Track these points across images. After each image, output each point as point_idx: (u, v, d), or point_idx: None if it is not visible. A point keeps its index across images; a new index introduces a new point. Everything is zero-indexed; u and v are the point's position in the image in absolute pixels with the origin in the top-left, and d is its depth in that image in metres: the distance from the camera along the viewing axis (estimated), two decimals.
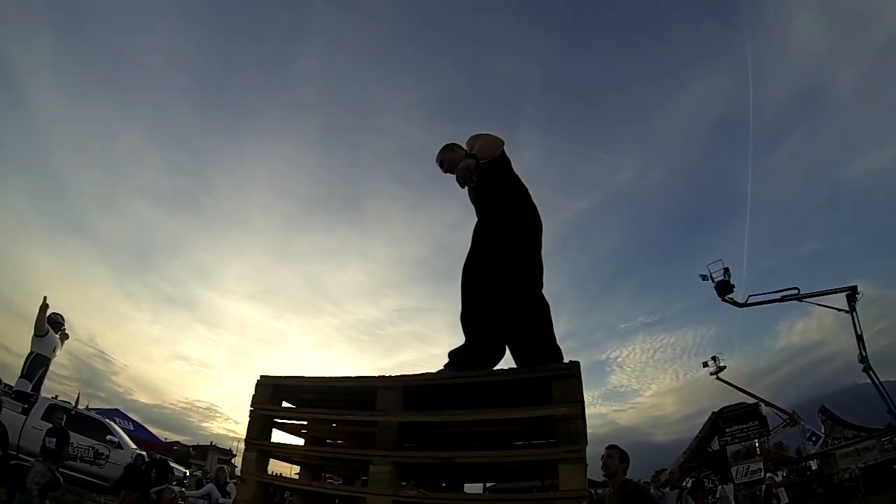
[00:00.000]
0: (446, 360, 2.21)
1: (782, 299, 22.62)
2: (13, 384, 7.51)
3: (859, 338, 20.44)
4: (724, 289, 23.40)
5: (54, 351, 7.32)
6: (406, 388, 1.87)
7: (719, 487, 13.43)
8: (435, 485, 2.56)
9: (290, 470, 3.29)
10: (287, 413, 2.28)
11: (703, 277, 23.69)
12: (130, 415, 19.36)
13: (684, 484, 10.88)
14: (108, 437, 8.34)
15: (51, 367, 7.46)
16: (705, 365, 26.66)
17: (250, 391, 2.14)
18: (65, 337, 7.62)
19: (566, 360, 1.87)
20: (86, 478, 7.81)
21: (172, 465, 9.94)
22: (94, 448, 8.03)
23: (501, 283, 2.21)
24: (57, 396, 8.93)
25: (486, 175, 2.37)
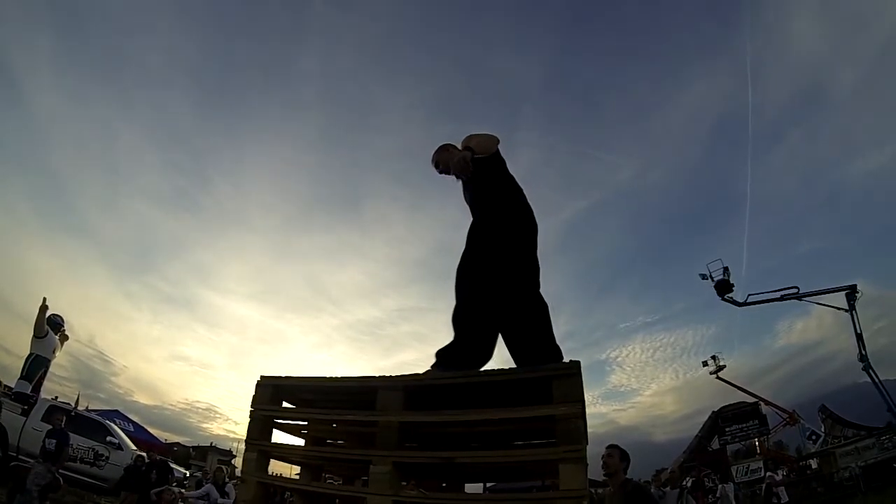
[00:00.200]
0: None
1: (782, 298, 22.65)
2: (13, 385, 7.50)
3: (859, 337, 20.47)
4: (723, 288, 23.43)
5: (54, 352, 7.30)
6: (406, 388, 1.86)
7: (719, 486, 13.44)
8: (435, 485, 2.55)
9: (291, 470, 3.28)
10: (287, 413, 2.28)
11: (703, 277, 23.75)
12: (130, 416, 19.41)
13: (684, 483, 10.91)
14: (108, 439, 8.33)
15: (50, 369, 7.44)
16: (705, 364, 26.66)
17: (250, 391, 2.14)
18: (64, 338, 7.60)
19: (566, 360, 1.86)
20: (86, 479, 7.80)
21: (172, 466, 9.92)
22: (94, 449, 8.02)
23: (497, 283, 2.19)
24: (57, 397, 8.91)
25: (481, 170, 2.37)
